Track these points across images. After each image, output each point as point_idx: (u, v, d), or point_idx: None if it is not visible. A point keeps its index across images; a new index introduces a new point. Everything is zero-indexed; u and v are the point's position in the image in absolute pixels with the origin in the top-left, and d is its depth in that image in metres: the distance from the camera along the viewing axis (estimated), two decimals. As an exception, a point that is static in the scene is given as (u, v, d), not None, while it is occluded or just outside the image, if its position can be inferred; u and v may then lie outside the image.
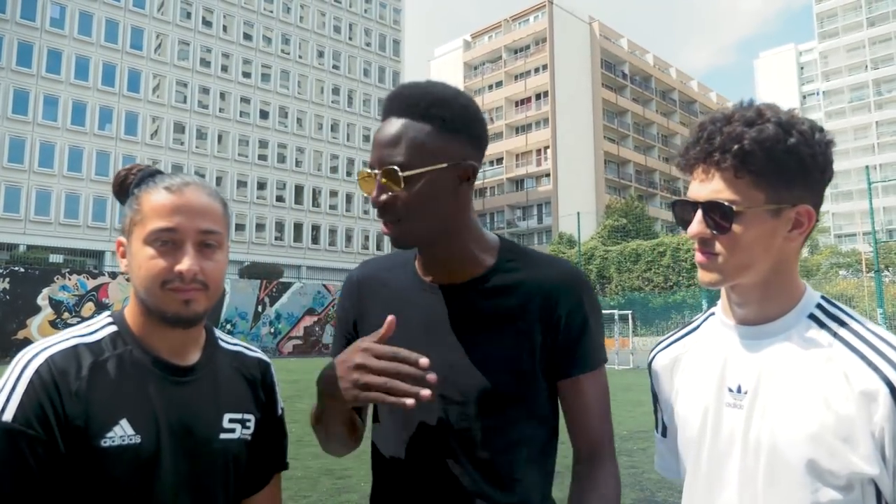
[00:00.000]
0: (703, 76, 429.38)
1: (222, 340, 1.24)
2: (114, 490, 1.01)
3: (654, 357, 1.30)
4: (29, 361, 1.02)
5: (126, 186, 1.14)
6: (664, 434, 1.29)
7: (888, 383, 0.96)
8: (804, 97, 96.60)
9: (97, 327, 1.12)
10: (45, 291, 20.28)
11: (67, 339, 1.07)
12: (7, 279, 19.72)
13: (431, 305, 1.19)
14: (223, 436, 1.13)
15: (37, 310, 20.05)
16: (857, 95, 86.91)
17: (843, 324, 1.06)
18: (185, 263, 1.04)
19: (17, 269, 21.04)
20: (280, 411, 1.27)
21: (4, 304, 19.47)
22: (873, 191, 19.92)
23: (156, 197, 1.07)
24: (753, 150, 1.01)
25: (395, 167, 1.08)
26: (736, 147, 1.02)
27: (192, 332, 1.13)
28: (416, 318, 1.18)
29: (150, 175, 1.14)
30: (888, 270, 32.92)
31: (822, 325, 1.06)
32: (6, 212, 38.08)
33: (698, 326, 1.26)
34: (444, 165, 1.10)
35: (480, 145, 1.17)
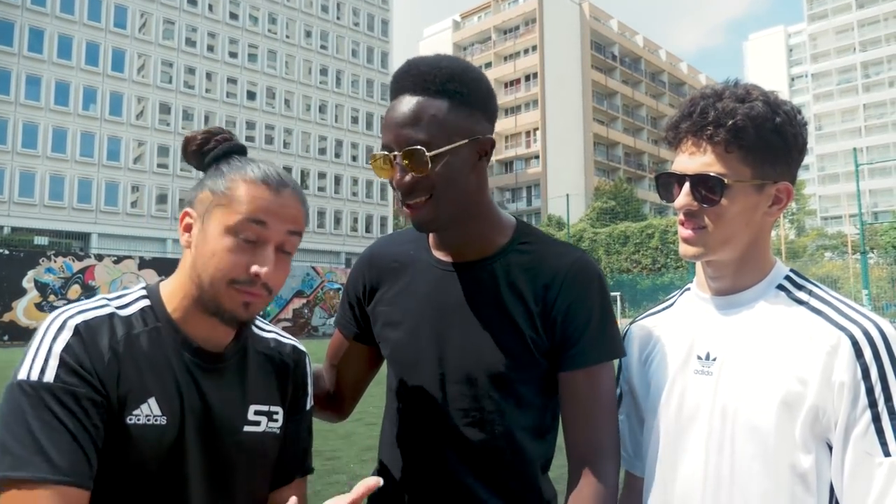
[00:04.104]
0: (692, 58, 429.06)
1: (257, 326, 1.18)
2: (135, 472, 0.96)
3: (628, 329, 1.33)
4: (65, 322, 0.96)
5: (205, 152, 1.08)
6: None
7: (850, 336, 1.00)
8: (793, 79, 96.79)
9: (130, 300, 1.06)
10: (31, 274, 20.08)
11: (103, 307, 1.02)
12: (-9, 262, 19.50)
13: (440, 283, 1.18)
14: (247, 428, 1.08)
15: (22, 292, 19.86)
16: (846, 78, 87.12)
17: (809, 292, 1.10)
18: (266, 267, 0.99)
19: (1, 251, 20.77)
20: (308, 406, 1.20)
21: (-11, 287, 19.28)
22: (860, 173, 20.06)
23: (254, 187, 1.01)
24: (746, 126, 1.05)
25: (420, 147, 1.04)
26: (730, 122, 1.05)
27: None
28: (424, 295, 1.19)
29: (236, 150, 1.08)
30: (873, 252, 33.26)
31: (789, 293, 1.11)
32: (-11, 193, 37.57)
33: (674, 302, 1.30)
34: (465, 141, 1.08)
35: (493, 119, 1.15)
